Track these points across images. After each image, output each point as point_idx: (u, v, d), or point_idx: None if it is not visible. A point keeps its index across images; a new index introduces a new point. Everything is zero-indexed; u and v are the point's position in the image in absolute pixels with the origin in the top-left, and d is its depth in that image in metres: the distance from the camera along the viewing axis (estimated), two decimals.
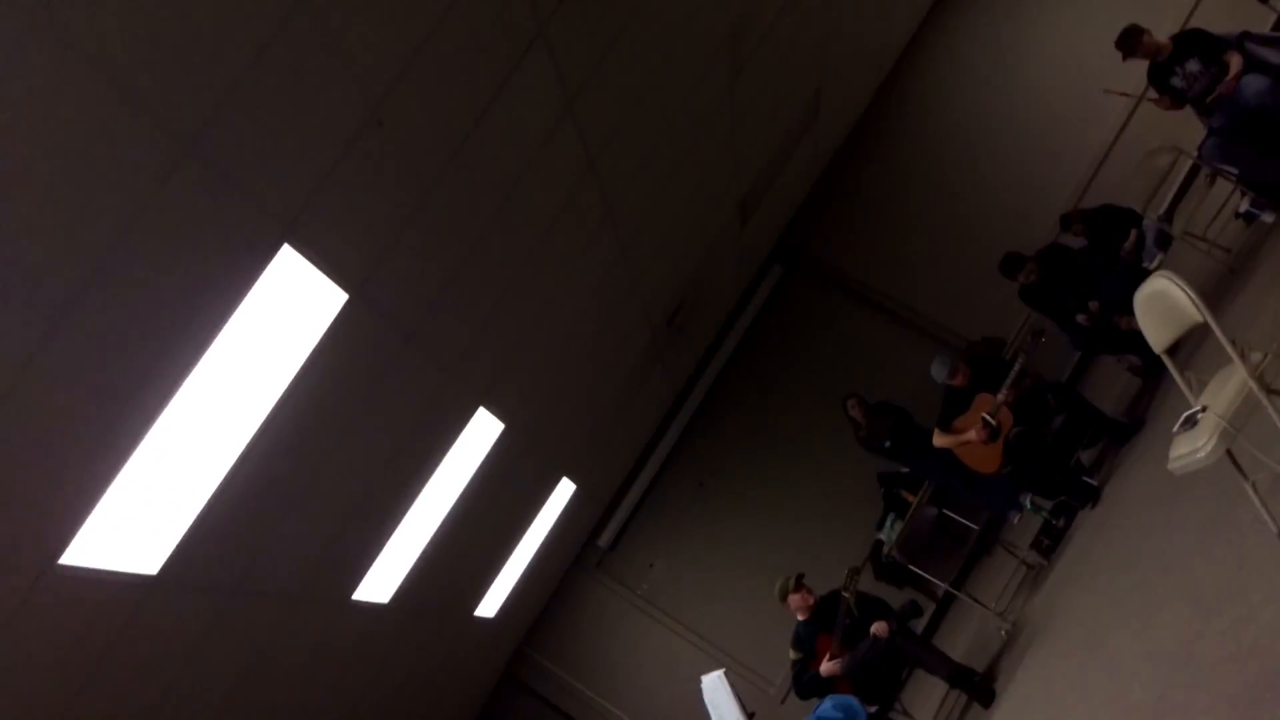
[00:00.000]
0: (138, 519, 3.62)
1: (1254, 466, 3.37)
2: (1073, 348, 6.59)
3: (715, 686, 3.75)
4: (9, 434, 2.94)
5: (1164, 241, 6.69)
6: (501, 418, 6.11)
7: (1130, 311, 3.56)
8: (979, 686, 5.91)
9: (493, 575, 7.76)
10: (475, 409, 5.76)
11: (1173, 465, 3.52)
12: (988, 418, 6.56)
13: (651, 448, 9.94)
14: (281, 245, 3.61)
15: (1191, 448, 3.36)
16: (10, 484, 3.04)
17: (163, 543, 3.83)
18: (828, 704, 2.53)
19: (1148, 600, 4.40)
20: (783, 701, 8.70)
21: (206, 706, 4.86)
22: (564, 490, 8.26)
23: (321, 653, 5.70)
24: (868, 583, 8.18)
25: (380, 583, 5.86)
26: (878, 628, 6.16)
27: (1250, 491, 3.36)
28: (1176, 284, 3.19)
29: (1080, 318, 6.43)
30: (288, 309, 3.82)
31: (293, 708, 5.73)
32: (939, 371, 6.76)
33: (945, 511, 7.41)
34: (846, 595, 6.35)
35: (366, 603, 5.83)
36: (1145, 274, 6.16)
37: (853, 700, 2.53)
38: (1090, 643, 4.86)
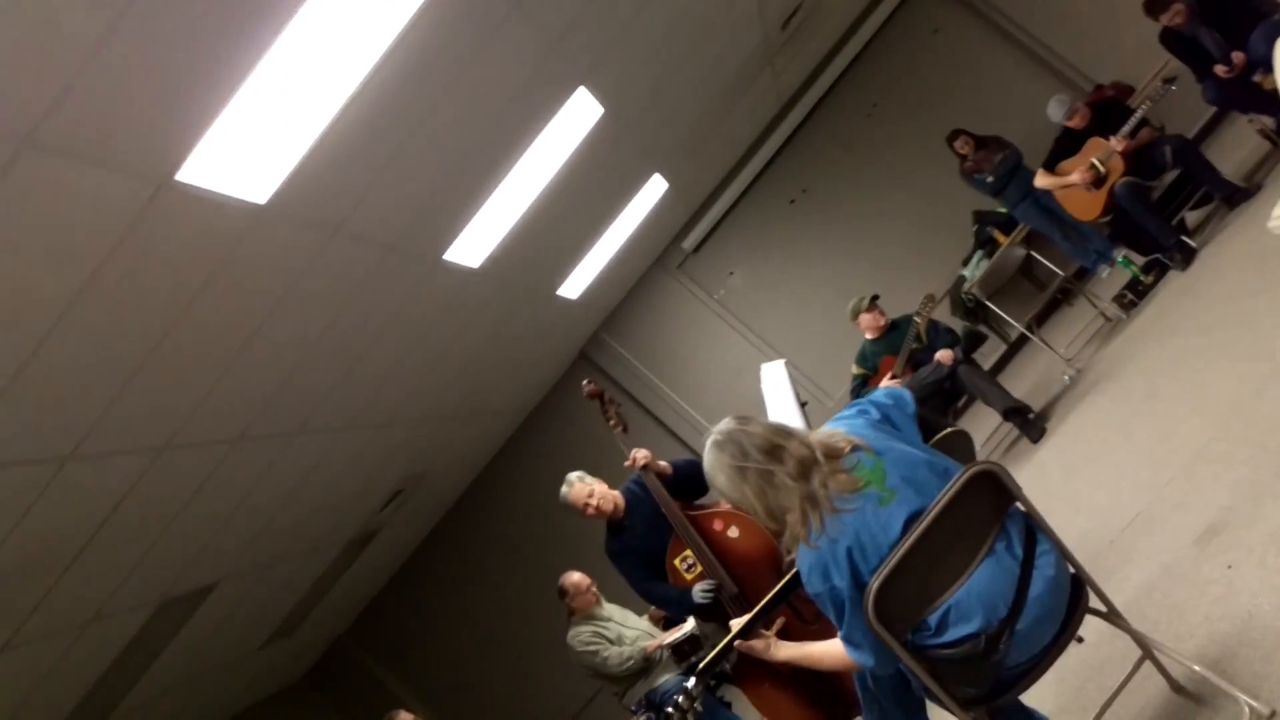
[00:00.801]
0: (251, 147, 3.79)
1: None
2: (1206, 101, 6.22)
3: (774, 373, 3.95)
4: (136, 39, 3.03)
5: None
6: (602, 102, 6.08)
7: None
8: (1031, 423, 6.11)
9: (578, 258, 7.99)
10: (576, 88, 5.73)
11: (1272, 224, 3.45)
12: (1096, 163, 6.36)
13: (748, 157, 9.85)
14: None
15: None
16: (136, 89, 3.18)
17: (273, 174, 4.02)
18: (880, 392, 2.67)
19: (1214, 360, 4.44)
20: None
21: (300, 342, 5.26)
22: (656, 187, 8.30)
23: (409, 305, 6.03)
24: (942, 313, 8.30)
25: (471, 247, 6.09)
26: (943, 355, 6.32)
27: None
28: None
29: (1220, 69, 6.03)
30: None
31: (379, 358, 6.15)
32: (1056, 110, 6.49)
33: (1034, 254, 7.33)
34: (918, 320, 6.47)
35: (457, 264, 6.10)
36: None
37: (905, 391, 2.67)
38: (1148, 394, 4.96)
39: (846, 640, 2.40)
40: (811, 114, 9.80)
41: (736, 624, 2.96)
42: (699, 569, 4.60)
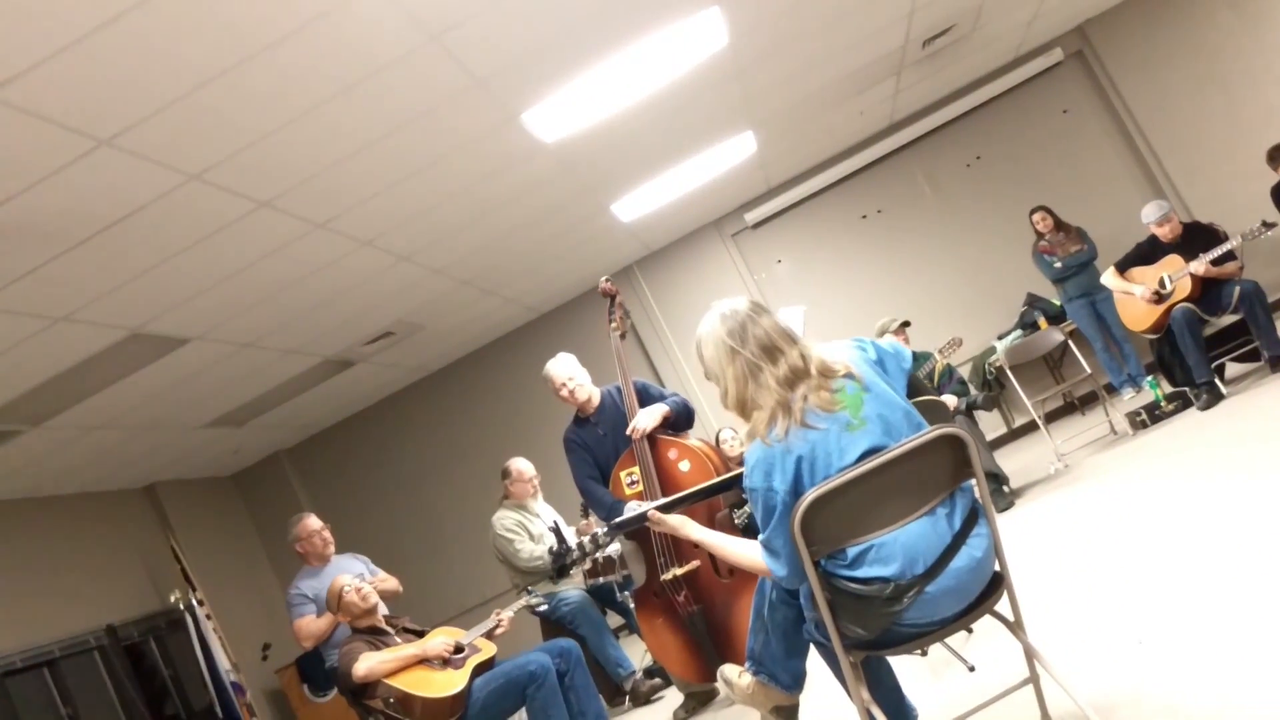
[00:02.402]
0: None
1: None
2: None
3: (792, 317, 3.95)
4: None
5: None
6: (730, 30, 6.02)
7: None
8: (1003, 494, 6.11)
9: (644, 182, 7.95)
10: (712, 4, 5.68)
11: None
12: (1167, 278, 6.32)
13: (842, 157, 9.78)
14: None
15: None
16: None
17: None
18: (884, 340, 2.67)
19: (1197, 488, 4.46)
20: None
21: (358, 134, 5.27)
22: (745, 145, 8.24)
23: (471, 150, 5.96)
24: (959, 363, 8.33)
25: (551, 120, 6.05)
26: (947, 399, 6.32)
27: None
28: None
29: None
30: None
31: (422, 189, 6.14)
32: (1153, 212, 6.45)
33: (1071, 346, 7.30)
34: (938, 358, 6.46)
35: (531, 131, 6.08)
36: None
37: (906, 349, 2.68)
38: (1127, 502, 4.97)
39: (766, 545, 2.41)
40: (916, 142, 9.73)
41: (659, 502, 2.98)
42: (639, 489, 4.64)
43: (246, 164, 4.97)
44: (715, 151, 8.06)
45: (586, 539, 3.46)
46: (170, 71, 4.09)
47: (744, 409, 2.44)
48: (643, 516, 2.91)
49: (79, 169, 4.35)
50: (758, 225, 10.02)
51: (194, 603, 8.05)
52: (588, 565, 4.98)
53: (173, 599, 8.09)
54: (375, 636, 4.45)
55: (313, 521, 5.66)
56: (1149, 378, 6.91)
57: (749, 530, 4.51)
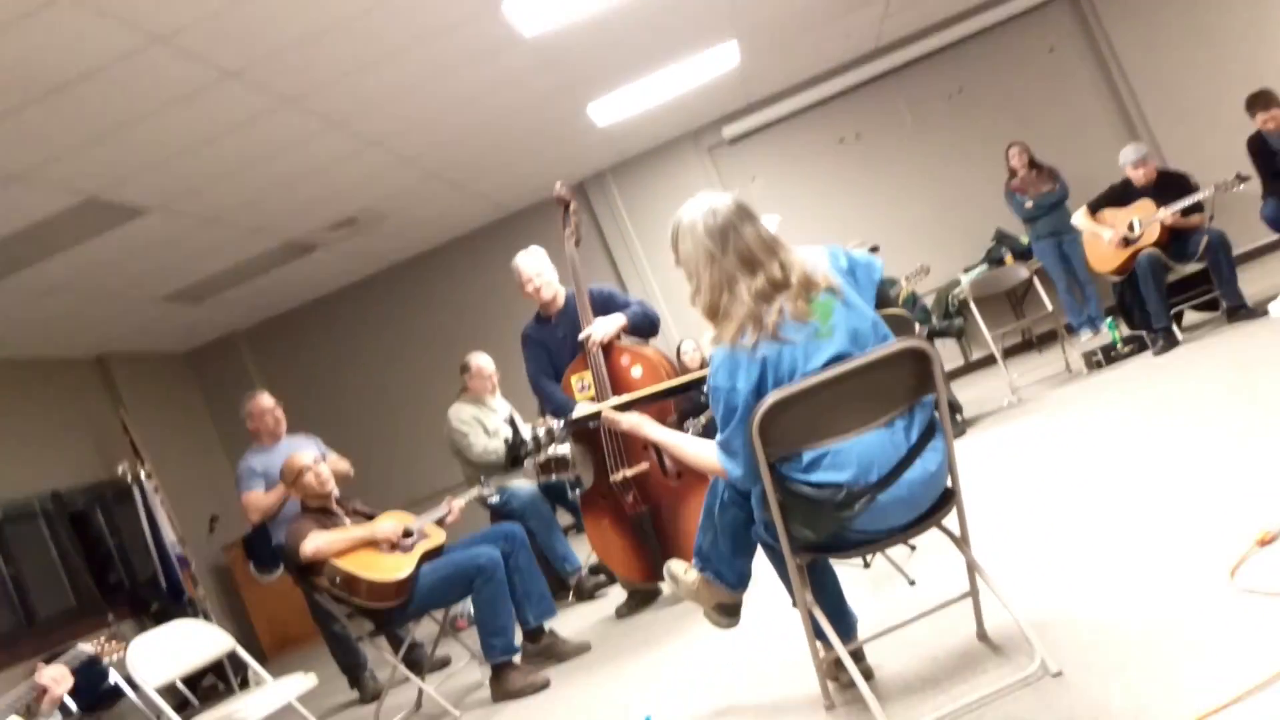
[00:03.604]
0: None
1: None
2: (1263, 218, 6.22)
3: (768, 225, 3.92)
4: None
5: None
6: None
7: None
8: (956, 423, 6.20)
9: (623, 85, 7.81)
10: None
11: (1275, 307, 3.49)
12: (1136, 222, 6.36)
13: (825, 78, 9.66)
14: None
15: None
16: None
17: None
18: (857, 251, 2.66)
19: (1144, 427, 4.56)
20: None
21: (335, 7, 5.10)
22: (729, 55, 8.09)
23: (450, 37, 5.81)
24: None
25: (531, 11, 5.90)
26: None
27: None
28: None
29: None
30: None
31: (397, 71, 5.99)
32: (1130, 154, 6.45)
33: (1036, 284, 7.34)
34: (904, 284, 6.49)
35: (510, 23, 5.91)
36: None
37: (879, 262, 2.66)
38: (1076, 433, 5.07)
39: (724, 446, 2.42)
40: (900, 69, 9.62)
41: (617, 400, 2.98)
42: (590, 394, 4.65)
43: (215, 31, 4.80)
44: (698, 60, 7.92)
45: (542, 431, 3.47)
46: None
47: (714, 316, 2.42)
48: (599, 413, 2.91)
49: (40, 21, 4.18)
50: (735, 140, 9.91)
51: (142, 475, 8.02)
52: (542, 458, 5.03)
53: (120, 470, 8.04)
54: (324, 517, 4.45)
55: (265, 400, 5.61)
56: (1108, 320, 6.99)
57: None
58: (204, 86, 5.28)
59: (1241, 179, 6.10)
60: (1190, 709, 1.83)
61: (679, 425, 4.67)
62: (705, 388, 2.47)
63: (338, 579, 4.11)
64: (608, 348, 4.65)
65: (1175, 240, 6.33)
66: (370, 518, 4.56)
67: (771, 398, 2.24)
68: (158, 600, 7.77)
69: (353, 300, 10.37)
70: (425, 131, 7.15)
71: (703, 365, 5.80)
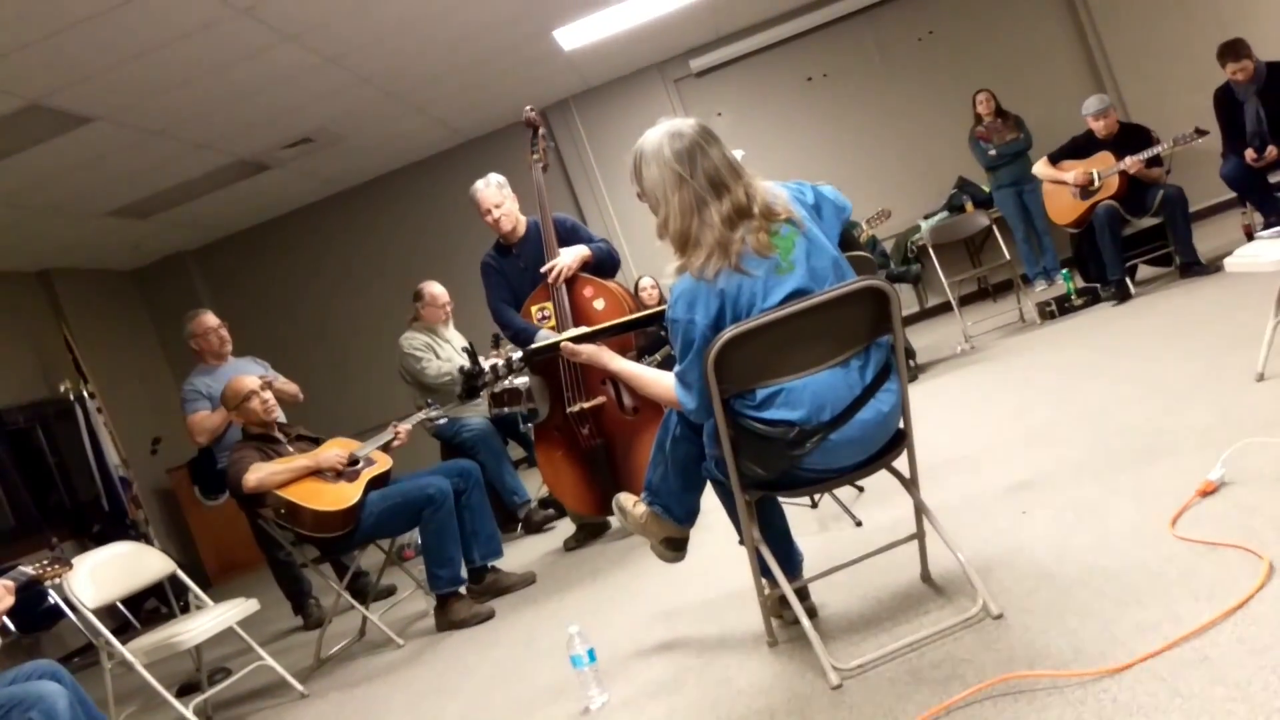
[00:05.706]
0: None
1: None
2: (1221, 175, 6.23)
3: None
4: None
5: None
6: None
7: None
8: (909, 368, 6.23)
9: (591, 9, 7.64)
10: None
11: (1232, 260, 3.51)
12: (1096, 174, 6.36)
13: (794, 14, 9.52)
14: None
15: (1261, 253, 3.33)
16: None
17: None
18: (826, 187, 2.61)
19: (1095, 375, 4.60)
20: None
21: None
22: None
23: None
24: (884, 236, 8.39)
25: None
26: None
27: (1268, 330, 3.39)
28: None
29: (1250, 153, 6.04)
30: None
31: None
32: (1094, 105, 6.43)
33: (996, 233, 7.35)
34: (864, 227, 6.46)
35: None
36: None
37: (848, 202, 2.62)
38: (1024, 381, 5.11)
39: (680, 377, 2.39)
40: (871, 8, 9.51)
41: (575, 332, 2.94)
42: (551, 323, 4.60)
43: None
44: None
45: (500, 361, 3.41)
46: None
47: (684, 244, 2.37)
48: (557, 344, 2.86)
49: None
50: (702, 74, 9.77)
51: (85, 394, 7.86)
52: (498, 389, 4.98)
53: (63, 389, 7.88)
54: (267, 445, 4.37)
55: (209, 319, 5.49)
56: (1064, 271, 7.03)
57: None
58: None
59: (1200, 133, 6.10)
60: (1127, 652, 1.85)
61: (637, 360, 4.63)
62: (665, 320, 2.42)
63: (282, 509, 4.06)
64: (571, 279, 4.60)
65: (1132, 194, 6.34)
66: (315, 443, 4.49)
67: (727, 334, 2.20)
68: (99, 522, 7.66)
69: (306, 223, 10.17)
70: (386, 48, 6.94)
71: (661, 302, 5.77)
